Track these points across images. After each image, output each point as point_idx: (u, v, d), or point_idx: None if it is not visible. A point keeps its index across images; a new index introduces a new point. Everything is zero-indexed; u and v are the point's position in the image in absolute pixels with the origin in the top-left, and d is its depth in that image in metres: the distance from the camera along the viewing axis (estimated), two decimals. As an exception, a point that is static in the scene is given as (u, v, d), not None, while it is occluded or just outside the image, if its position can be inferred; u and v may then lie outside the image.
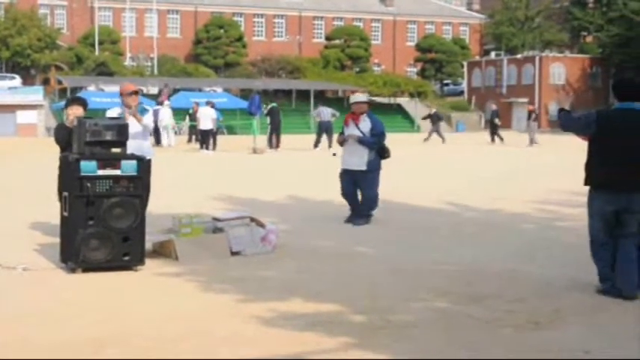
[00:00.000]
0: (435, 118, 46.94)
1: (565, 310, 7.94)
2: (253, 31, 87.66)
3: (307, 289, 8.73)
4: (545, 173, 24.27)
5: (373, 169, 13.40)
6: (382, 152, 13.58)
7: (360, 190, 13.54)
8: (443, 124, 48.78)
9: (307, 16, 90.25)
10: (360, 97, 14.00)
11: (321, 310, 7.82)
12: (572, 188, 17.88)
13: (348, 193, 13.51)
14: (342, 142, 13.64)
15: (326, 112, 37.61)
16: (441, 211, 15.41)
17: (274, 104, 37.59)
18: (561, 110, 8.93)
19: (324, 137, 36.31)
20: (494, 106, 48.22)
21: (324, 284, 9.02)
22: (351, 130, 13.41)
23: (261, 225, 11.04)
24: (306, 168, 26.45)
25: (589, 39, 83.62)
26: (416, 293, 8.61)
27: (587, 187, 8.73)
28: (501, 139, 44.00)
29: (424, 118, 49.95)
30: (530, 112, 44.52)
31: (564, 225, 13.64)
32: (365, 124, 13.41)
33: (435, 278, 9.36)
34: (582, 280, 9.06)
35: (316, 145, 36.44)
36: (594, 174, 8.55)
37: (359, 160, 13.30)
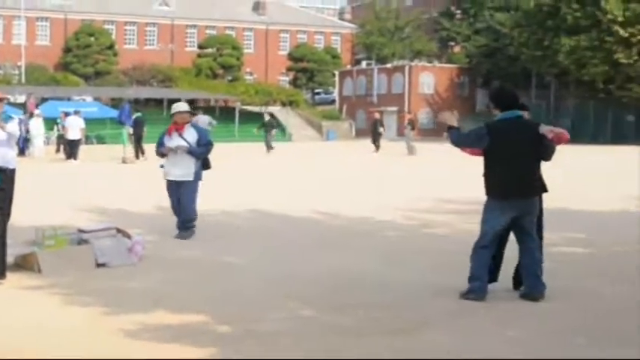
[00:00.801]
0: (267, 126, 45.20)
1: (430, 316, 8.08)
2: (124, 39, 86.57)
3: (173, 299, 8.66)
4: (414, 181, 24.58)
5: (198, 179, 13.24)
6: (205, 163, 13.48)
7: (179, 200, 13.23)
8: (274, 133, 46.50)
9: (180, 24, 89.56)
10: (181, 106, 13.70)
11: (187, 320, 7.78)
12: (440, 195, 18.28)
13: (177, 205, 13.26)
14: (164, 154, 13.24)
15: (203, 120, 37.41)
16: (308, 220, 15.47)
17: (139, 114, 36.92)
18: (450, 128, 9.05)
19: None
20: (377, 115, 48.66)
21: (190, 295, 8.97)
22: (175, 141, 13.11)
23: (128, 236, 10.92)
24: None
25: (457, 49, 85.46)
26: (283, 302, 8.64)
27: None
28: (377, 148, 44.18)
29: (259, 128, 47.19)
30: (408, 121, 45.09)
31: (431, 232, 13.88)
32: (189, 133, 13.15)
33: (302, 287, 9.40)
34: (448, 285, 9.23)
35: None
36: (492, 184, 8.74)
37: (186, 170, 13.05)
